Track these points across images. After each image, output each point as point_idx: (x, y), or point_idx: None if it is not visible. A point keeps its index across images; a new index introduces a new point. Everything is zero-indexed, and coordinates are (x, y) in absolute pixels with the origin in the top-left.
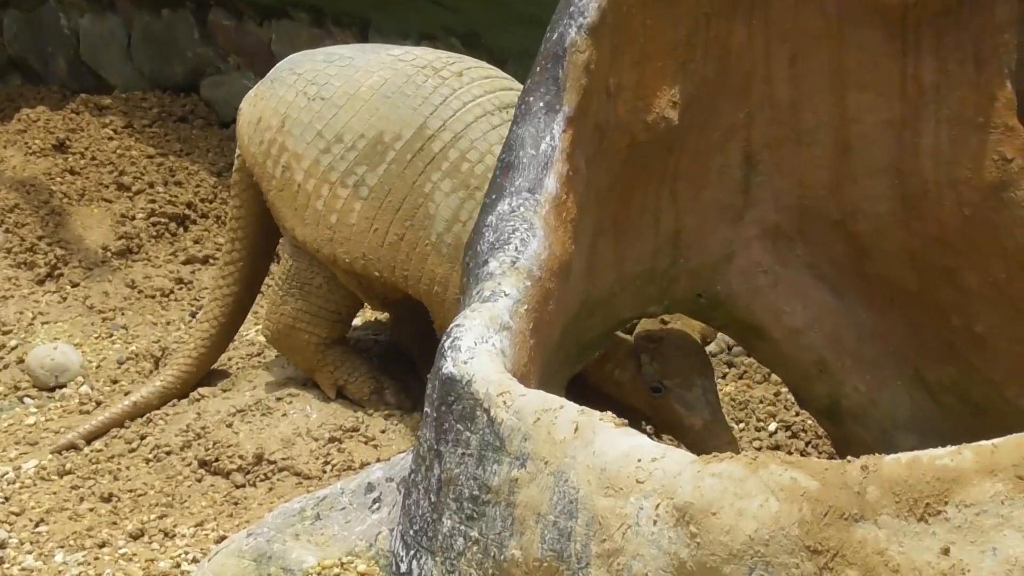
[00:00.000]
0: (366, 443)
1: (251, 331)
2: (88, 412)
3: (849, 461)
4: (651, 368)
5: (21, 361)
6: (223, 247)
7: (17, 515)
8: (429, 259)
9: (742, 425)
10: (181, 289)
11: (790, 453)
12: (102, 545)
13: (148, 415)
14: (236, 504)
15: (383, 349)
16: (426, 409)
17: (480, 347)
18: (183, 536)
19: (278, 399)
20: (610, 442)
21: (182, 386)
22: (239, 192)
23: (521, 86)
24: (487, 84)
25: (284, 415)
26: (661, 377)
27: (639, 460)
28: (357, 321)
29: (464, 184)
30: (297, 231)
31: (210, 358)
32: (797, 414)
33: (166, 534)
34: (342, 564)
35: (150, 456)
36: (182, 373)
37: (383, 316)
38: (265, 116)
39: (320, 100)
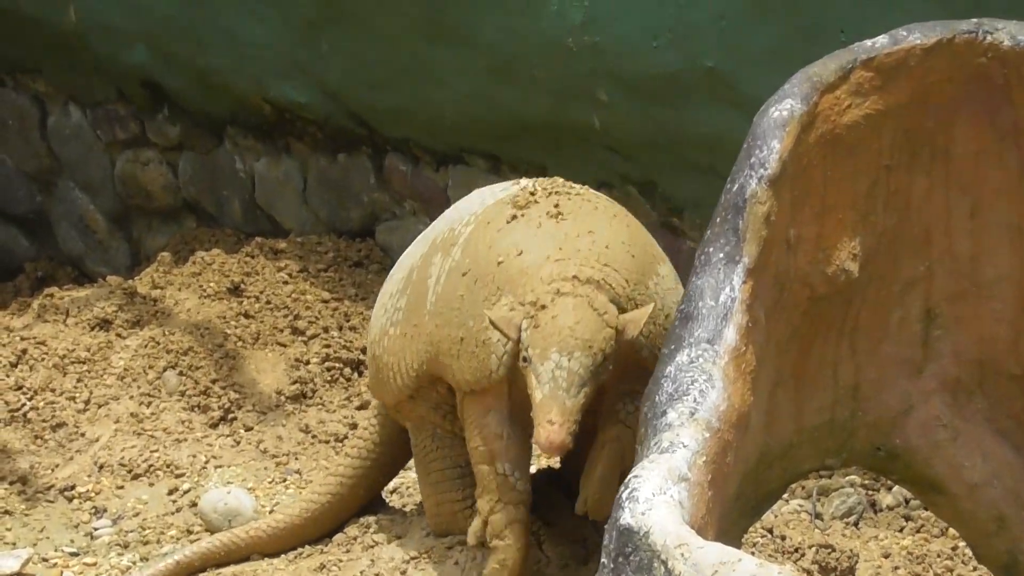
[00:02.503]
0: None
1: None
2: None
3: None
4: (526, 336)
5: (194, 505)
6: (358, 430)
7: None
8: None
9: None
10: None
11: None
12: None
13: (323, 563)
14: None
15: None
16: (602, 560)
17: (658, 498)
18: None
19: (448, 548)
20: None
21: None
22: None
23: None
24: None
25: (456, 562)
26: (528, 345)
27: None
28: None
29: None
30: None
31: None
32: (974, 569)
33: None
34: None
35: None
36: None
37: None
38: None
39: None
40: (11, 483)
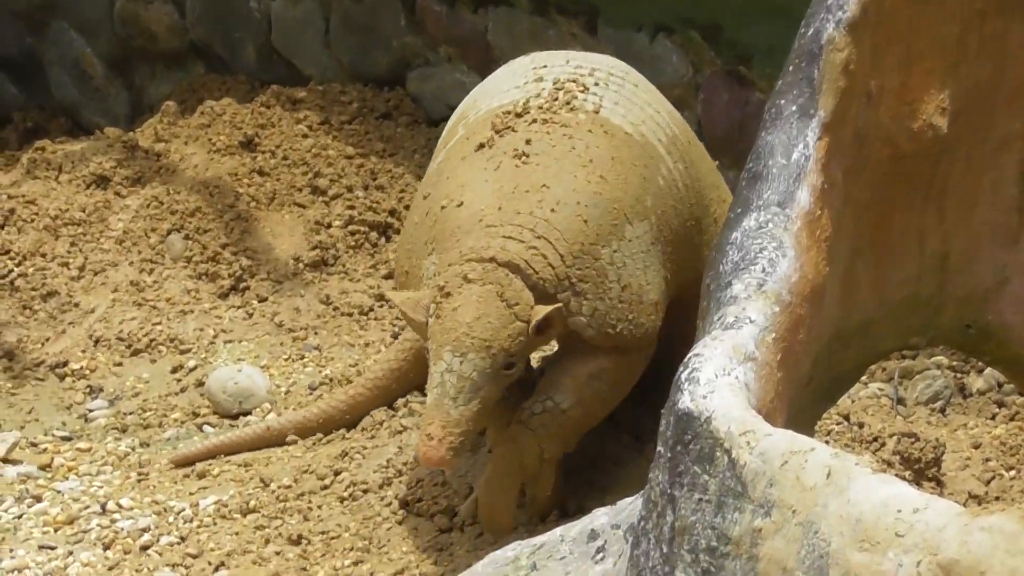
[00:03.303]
0: (591, 487)
1: None
2: (276, 443)
3: None
4: (430, 327)
5: (201, 384)
6: None
7: (194, 558)
8: None
9: (1012, 472)
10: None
11: None
12: None
13: (345, 449)
14: (441, 550)
15: None
16: (659, 448)
17: (721, 380)
18: None
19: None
20: (867, 490)
21: (350, 413)
22: None
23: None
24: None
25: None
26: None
27: (899, 511)
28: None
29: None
30: None
31: (391, 390)
32: None
33: None
34: None
35: (345, 495)
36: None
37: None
38: None
39: None
40: None
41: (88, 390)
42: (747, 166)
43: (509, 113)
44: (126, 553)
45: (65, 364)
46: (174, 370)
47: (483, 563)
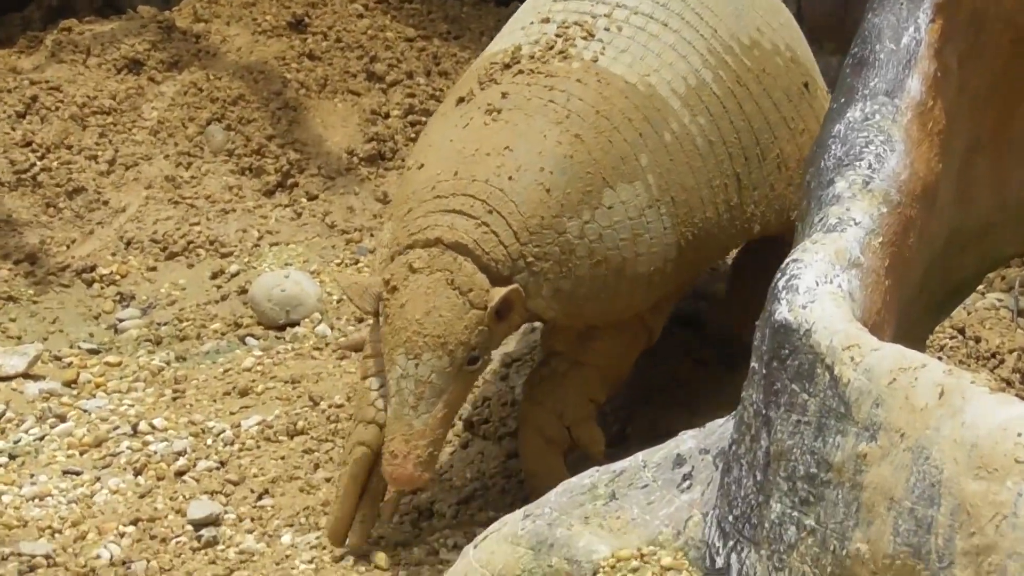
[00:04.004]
0: (675, 405)
1: None
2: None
3: None
4: (381, 327)
5: (244, 292)
6: None
7: (235, 484)
8: None
9: None
10: None
11: None
12: None
13: None
14: (509, 477)
15: None
16: (752, 364)
17: (822, 288)
18: (442, 516)
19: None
20: (983, 411)
21: None
22: None
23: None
24: None
25: None
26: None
27: (1019, 435)
28: None
29: None
30: None
31: None
32: None
33: (420, 512)
34: (642, 556)
35: None
36: None
37: None
38: None
39: None
40: (16, 262)
41: (118, 298)
42: (851, 51)
43: (496, 64)
44: (159, 479)
45: (93, 269)
46: (214, 276)
47: (557, 491)
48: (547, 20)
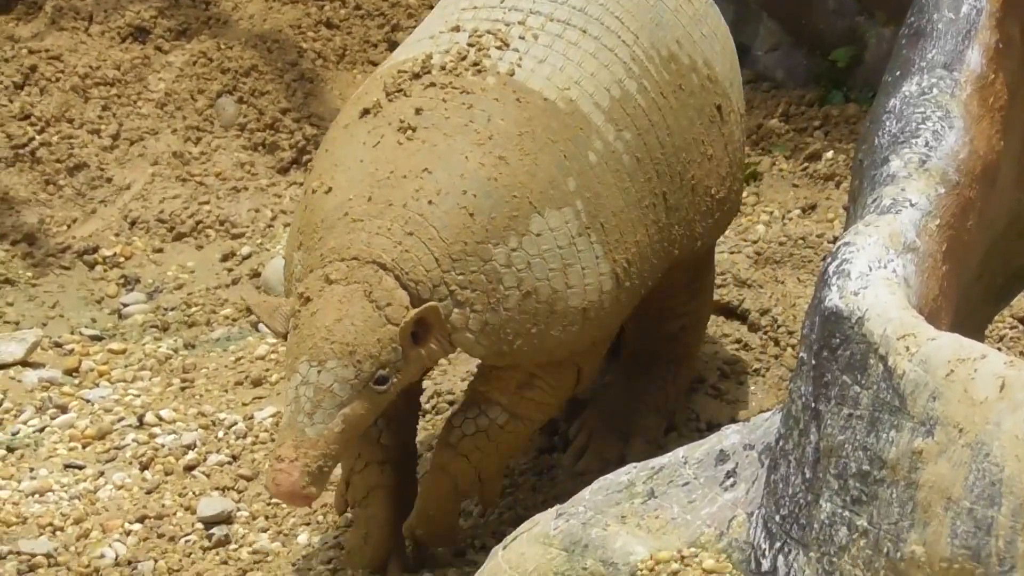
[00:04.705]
0: (715, 397)
1: None
2: None
3: None
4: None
5: (256, 275)
6: None
7: (248, 480)
8: None
9: None
10: None
11: None
12: None
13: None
14: (541, 474)
15: None
16: (801, 355)
17: (876, 274)
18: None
19: None
20: None
21: None
22: None
23: None
24: None
25: None
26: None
27: None
28: None
29: None
30: None
31: None
32: None
33: None
34: (682, 558)
35: (427, 406)
36: None
37: None
38: None
39: None
40: (14, 243)
41: (122, 281)
42: (908, 20)
43: (405, 72)
44: (167, 474)
45: (95, 250)
46: (224, 258)
47: (591, 489)
48: (457, 28)
